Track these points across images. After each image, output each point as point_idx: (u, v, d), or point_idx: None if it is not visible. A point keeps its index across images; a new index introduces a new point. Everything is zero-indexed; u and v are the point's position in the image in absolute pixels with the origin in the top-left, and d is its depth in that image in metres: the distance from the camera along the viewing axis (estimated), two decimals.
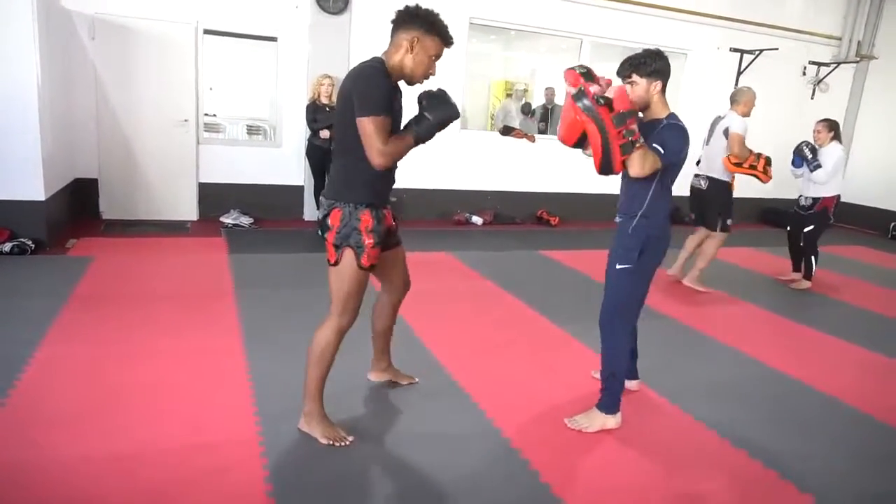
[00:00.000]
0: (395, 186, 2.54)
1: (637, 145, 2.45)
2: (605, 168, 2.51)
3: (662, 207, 2.70)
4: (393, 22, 2.34)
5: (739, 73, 8.64)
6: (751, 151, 4.93)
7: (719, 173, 5.00)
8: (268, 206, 6.76)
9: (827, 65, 9.18)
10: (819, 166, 5.20)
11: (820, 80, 9.27)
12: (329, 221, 2.38)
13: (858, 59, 9.13)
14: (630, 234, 2.70)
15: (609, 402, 2.79)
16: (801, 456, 2.70)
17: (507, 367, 3.38)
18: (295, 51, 6.58)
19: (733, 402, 3.17)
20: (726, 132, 4.88)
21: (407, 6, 2.34)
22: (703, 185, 5.11)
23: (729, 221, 5.10)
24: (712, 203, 5.12)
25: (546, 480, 2.36)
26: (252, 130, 8.67)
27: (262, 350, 3.33)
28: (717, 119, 5.09)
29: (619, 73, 2.70)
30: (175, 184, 6.40)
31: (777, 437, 2.85)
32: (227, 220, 6.43)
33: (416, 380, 3.08)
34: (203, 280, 4.56)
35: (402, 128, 2.38)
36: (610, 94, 2.42)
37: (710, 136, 5.10)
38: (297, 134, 6.62)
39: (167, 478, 2.21)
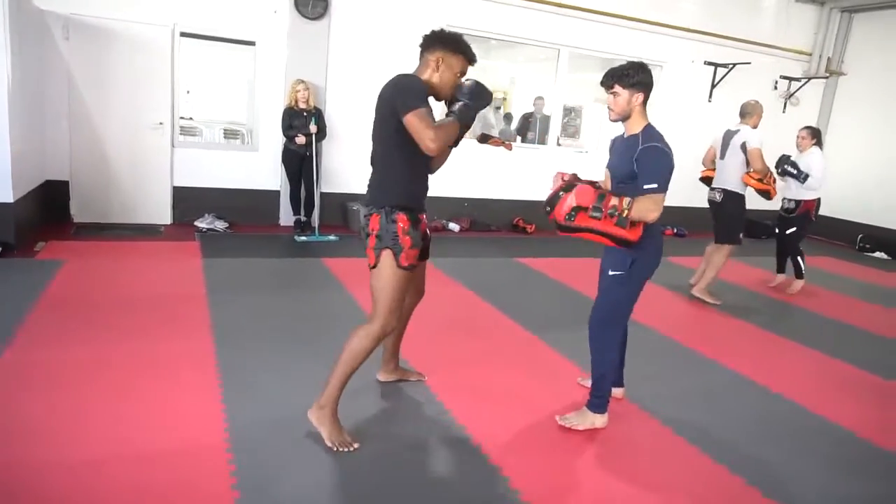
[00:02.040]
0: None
1: (626, 211, 2.49)
2: (623, 244, 2.60)
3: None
4: (421, 45, 2.54)
5: (713, 85, 8.81)
6: (768, 168, 5.03)
7: (735, 186, 5.07)
8: (243, 210, 6.71)
9: (798, 79, 9.40)
10: (808, 176, 5.35)
11: (791, 95, 9.49)
12: (369, 227, 2.50)
13: (828, 74, 9.37)
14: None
15: (598, 402, 2.87)
16: (767, 463, 2.74)
17: (480, 376, 3.38)
18: (273, 55, 6.56)
19: (703, 409, 3.21)
20: (744, 147, 4.95)
21: (433, 30, 2.54)
22: (719, 197, 5.17)
23: (741, 235, 5.19)
24: (728, 216, 5.18)
25: (515, 486, 2.37)
26: (229, 134, 8.61)
27: (234, 355, 3.30)
28: (730, 133, 5.12)
29: (602, 84, 2.74)
30: (149, 187, 6.32)
31: (745, 444, 2.89)
32: (202, 224, 6.36)
33: (425, 376, 3.18)
34: (175, 284, 4.50)
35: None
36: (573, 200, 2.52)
37: (724, 149, 5.12)
38: (273, 139, 6.59)
39: (134, 485, 2.18)
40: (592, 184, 2.65)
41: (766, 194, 5.13)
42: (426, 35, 2.52)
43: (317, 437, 2.54)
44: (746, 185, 5.06)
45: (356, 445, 2.51)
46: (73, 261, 4.77)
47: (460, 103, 2.50)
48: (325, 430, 2.51)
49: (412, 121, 2.31)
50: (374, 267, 2.50)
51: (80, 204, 6.09)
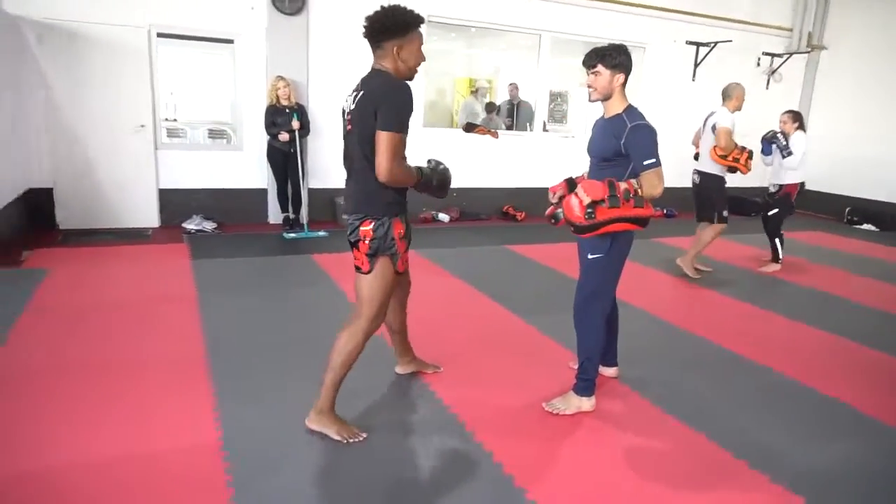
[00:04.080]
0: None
1: (638, 189, 2.58)
2: (644, 223, 2.70)
3: None
4: (367, 38, 2.43)
5: (696, 65, 8.81)
6: (736, 145, 5.10)
7: (710, 167, 5.19)
8: (231, 210, 6.68)
9: (780, 55, 9.41)
10: (791, 153, 5.43)
11: (774, 71, 9.51)
12: (360, 234, 2.45)
13: (809, 49, 9.38)
14: None
15: (584, 385, 2.88)
16: (756, 436, 2.77)
17: (473, 363, 3.39)
18: (252, 53, 6.50)
19: (693, 387, 3.23)
20: (714, 127, 5.08)
21: (371, 21, 2.39)
22: (696, 179, 5.34)
23: (725, 213, 5.26)
24: (705, 196, 5.32)
25: (509, 472, 2.38)
26: (214, 134, 8.55)
27: (226, 356, 3.29)
28: (710, 114, 5.24)
29: (584, 63, 2.78)
30: (134, 191, 6.27)
31: (734, 418, 2.92)
32: (190, 225, 6.33)
33: (441, 368, 3.23)
34: (165, 287, 4.47)
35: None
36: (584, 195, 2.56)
37: (703, 130, 5.28)
38: (258, 137, 6.54)
39: (129, 485, 2.18)
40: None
41: (736, 171, 5.20)
42: (369, 28, 2.40)
43: (311, 437, 2.54)
44: (714, 161, 5.13)
45: (364, 435, 2.55)
46: (61, 268, 4.74)
47: (427, 173, 2.56)
48: (332, 428, 2.55)
49: (385, 141, 2.27)
50: (368, 272, 2.48)
51: (66, 211, 6.04)
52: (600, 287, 2.83)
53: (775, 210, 5.73)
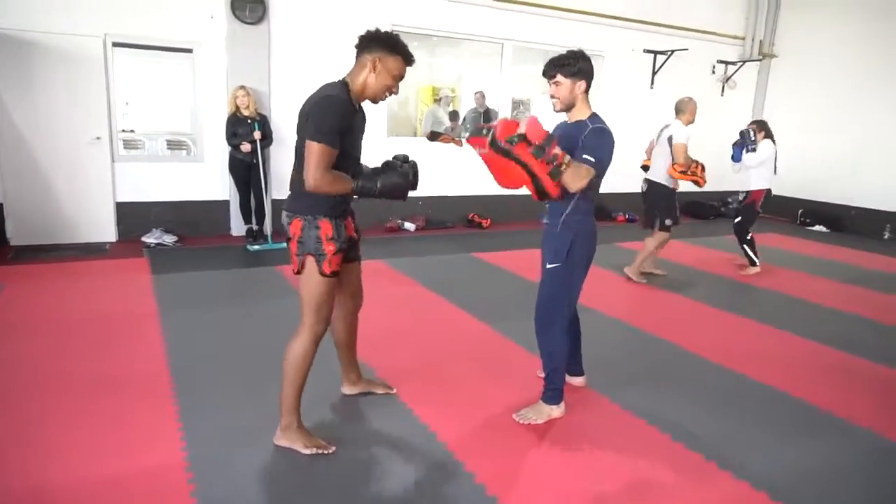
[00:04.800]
0: None
1: (564, 166, 2.53)
2: (541, 196, 2.64)
3: (587, 207, 2.78)
4: (357, 46, 2.43)
5: (654, 73, 9.02)
6: (691, 159, 5.25)
7: (660, 178, 5.33)
8: (192, 222, 6.54)
9: (734, 63, 9.71)
10: (754, 150, 5.66)
11: (728, 78, 9.79)
12: (290, 232, 2.44)
13: (761, 57, 9.70)
14: (558, 234, 2.78)
15: (552, 394, 2.88)
16: (724, 437, 2.83)
17: (440, 373, 3.38)
18: (212, 62, 6.40)
19: (659, 390, 3.28)
20: (670, 140, 5.22)
21: (369, 30, 2.43)
22: (644, 187, 5.50)
23: (668, 222, 5.40)
24: (652, 204, 5.47)
25: (481, 481, 2.38)
26: (173, 145, 8.37)
27: (189, 373, 3.21)
28: (665, 127, 5.39)
29: (544, 74, 2.78)
30: (90, 204, 6.09)
31: (702, 420, 2.97)
32: (150, 239, 6.18)
33: (394, 390, 3.09)
34: (124, 303, 4.35)
35: (356, 153, 2.48)
36: (523, 128, 2.49)
37: (657, 143, 5.42)
38: (219, 148, 6.43)
39: None
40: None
41: (696, 184, 5.36)
42: (362, 35, 2.43)
43: (277, 452, 2.50)
44: (673, 177, 5.29)
45: (332, 448, 2.52)
46: (13, 285, 4.57)
47: (367, 175, 2.40)
48: (298, 442, 2.51)
49: (311, 150, 2.24)
50: (298, 272, 2.46)
51: (17, 226, 5.83)
52: (559, 296, 2.82)
53: (739, 218, 5.92)
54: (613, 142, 2.68)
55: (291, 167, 2.46)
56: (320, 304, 2.46)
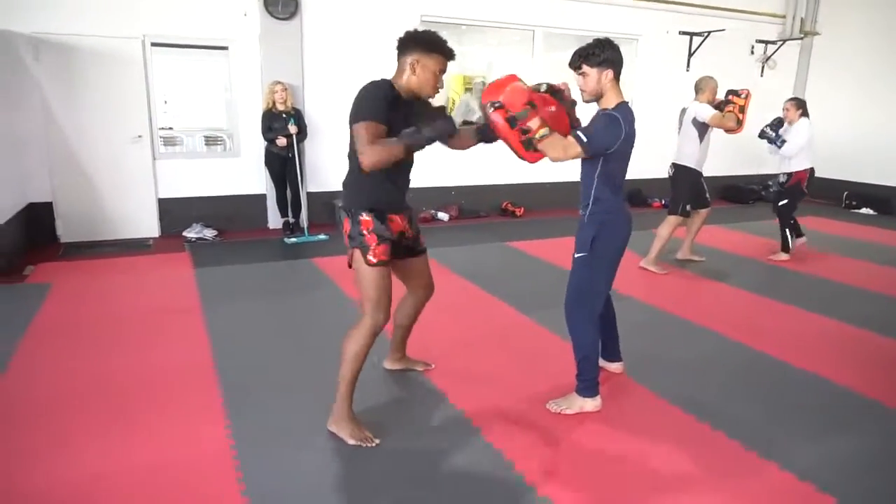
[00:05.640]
0: None
1: (540, 137, 2.52)
2: (520, 159, 2.66)
3: (611, 194, 2.74)
4: (397, 48, 2.51)
5: (690, 55, 8.81)
6: (726, 113, 5.13)
7: (684, 160, 5.23)
8: (231, 217, 6.69)
9: (773, 42, 9.42)
10: (784, 141, 5.45)
11: (768, 58, 9.51)
12: (343, 228, 2.60)
13: (802, 35, 9.37)
14: (585, 224, 2.78)
15: (585, 386, 2.85)
16: (763, 425, 2.79)
17: (478, 361, 3.41)
18: (247, 59, 6.51)
19: (696, 378, 3.25)
20: (695, 122, 5.11)
21: (407, 32, 2.52)
22: (670, 171, 5.38)
23: (687, 207, 5.28)
24: (676, 188, 5.34)
25: (520, 469, 2.40)
26: (210, 141, 8.54)
27: (233, 364, 3.31)
28: (684, 110, 5.30)
29: (570, 65, 2.73)
30: (133, 201, 6.28)
31: (739, 407, 2.93)
32: (190, 234, 6.34)
33: (432, 365, 3.26)
34: (168, 297, 4.49)
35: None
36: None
37: (679, 125, 5.34)
38: (255, 143, 6.55)
39: (142, 496, 2.19)
40: (557, 92, 2.69)
41: (741, 110, 5.22)
42: (400, 38, 2.51)
43: (322, 443, 2.56)
44: (739, 119, 5.13)
45: (377, 441, 2.56)
46: (63, 282, 4.75)
47: (413, 128, 2.40)
48: (346, 431, 2.58)
49: (356, 131, 2.35)
50: (350, 266, 2.59)
51: (66, 224, 6.05)
52: (587, 286, 2.79)
53: (785, 200, 5.70)
54: (622, 129, 2.59)
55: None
56: (375, 294, 2.53)
